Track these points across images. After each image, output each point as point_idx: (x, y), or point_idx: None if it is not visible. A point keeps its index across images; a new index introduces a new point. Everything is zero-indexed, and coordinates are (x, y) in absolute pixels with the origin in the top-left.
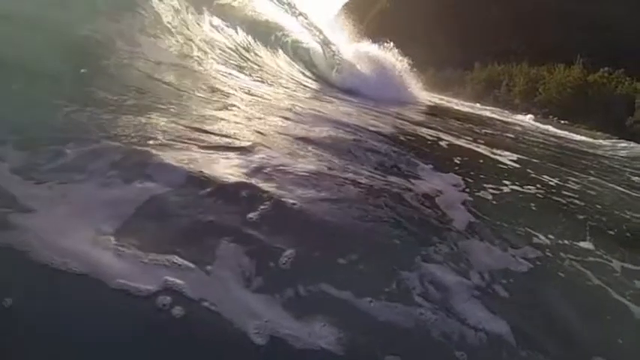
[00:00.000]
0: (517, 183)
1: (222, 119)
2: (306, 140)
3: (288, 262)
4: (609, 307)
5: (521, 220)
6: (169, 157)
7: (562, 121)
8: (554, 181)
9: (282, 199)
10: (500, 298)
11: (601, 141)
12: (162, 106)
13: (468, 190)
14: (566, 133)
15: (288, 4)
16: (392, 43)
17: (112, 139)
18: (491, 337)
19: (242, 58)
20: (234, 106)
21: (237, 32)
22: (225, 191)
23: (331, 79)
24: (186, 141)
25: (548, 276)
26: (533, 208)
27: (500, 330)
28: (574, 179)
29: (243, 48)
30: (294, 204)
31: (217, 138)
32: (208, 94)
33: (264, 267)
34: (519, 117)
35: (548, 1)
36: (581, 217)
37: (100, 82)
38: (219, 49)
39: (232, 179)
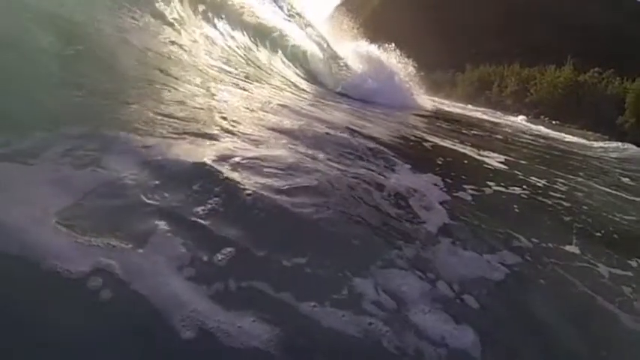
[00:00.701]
0: (502, 184)
1: (196, 107)
2: (276, 132)
3: (229, 255)
4: (595, 316)
5: (503, 222)
6: (131, 142)
7: (553, 122)
8: (541, 183)
9: (239, 189)
10: (469, 308)
11: (593, 142)
12: (138, 92)
13: (446, 190)
14: (557, 133)
15: (298, 14)
16: (393, 44)
17: (78, 124)
18: (453, 351)
19: (236, 55)
20: (213, 96)
21: (234, 32)
22: (181, 178)
23: (332, 86)
24: (152, 127)
25: (528, 283)
26: (516, 210)
27: (466, 344)
28: (562, 180)
29: (242, 48)
30: (249, 195)
31: (185, 124)
32: (189, 84)
33: (201, 257)
34: (511, 118)
35: (539, 3)
36: (567, 219)
37: (81, 67)
38: (215, 44)
39: (190, 166)
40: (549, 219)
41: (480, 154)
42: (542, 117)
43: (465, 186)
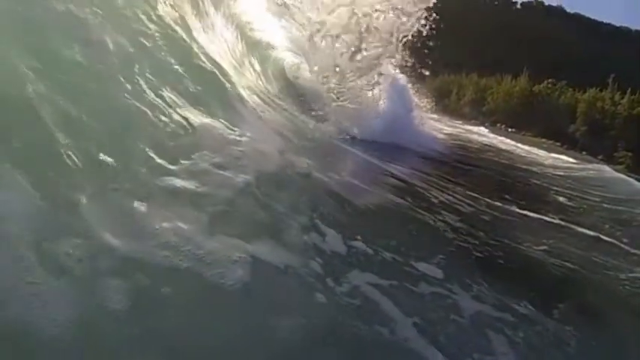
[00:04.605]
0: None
1: None
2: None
3: None
4: None
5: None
6: None
7: (509, 129)
8: (437, 199)
9: None
10: None
11: (548, 156)
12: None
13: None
14: (513, 144)
15: None
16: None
17: None
18: None
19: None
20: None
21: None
22: None
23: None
24: None
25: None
26: (354, 216)
27: None
28: (470, 201)
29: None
30: None
31: None
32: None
33: None
34: (468, 127)
35: (497, 17)
36: (438, 239)
37: None
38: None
39: None
40: (410, 237)
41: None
42: (498, 125)
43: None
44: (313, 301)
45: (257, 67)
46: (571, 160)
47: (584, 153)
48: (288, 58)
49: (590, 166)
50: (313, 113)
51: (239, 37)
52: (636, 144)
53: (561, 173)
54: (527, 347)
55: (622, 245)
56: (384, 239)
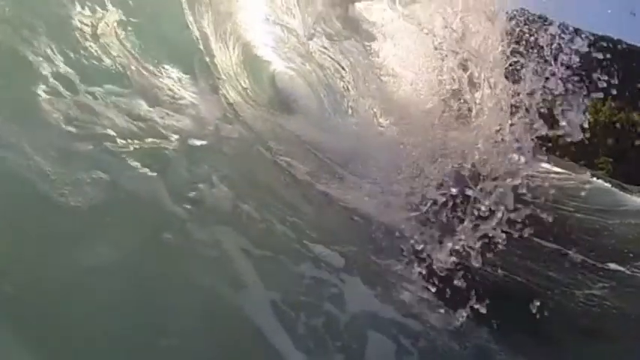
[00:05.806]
0: None
1: None
2: None
3: None
4: None
5: None
6: None
7: None
8: None
9: None
10: None
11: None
12: None
13: None
14: None
15: None
16: None
17: None
18: None
19: None
20: None
21: None
22: None
23: None
24: None
25: None
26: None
27: None
28: None
29: None
30: None
31: None
32: None
33: None
34: None
35: None
36: None
37: None
38: None
39: None
40: (323, 221)
41: None
42: None
43: None
44: (155, 240)
45: (247, 65)
46: (553, 168)
47: (565, 159)
48: (283, 70)
49: (573, 175)
50: (284, 109)
51: (242, 44)
52: (616, 150)
53: (538, 183)
54: None
55: (586, 259)
56: (284, 214)
